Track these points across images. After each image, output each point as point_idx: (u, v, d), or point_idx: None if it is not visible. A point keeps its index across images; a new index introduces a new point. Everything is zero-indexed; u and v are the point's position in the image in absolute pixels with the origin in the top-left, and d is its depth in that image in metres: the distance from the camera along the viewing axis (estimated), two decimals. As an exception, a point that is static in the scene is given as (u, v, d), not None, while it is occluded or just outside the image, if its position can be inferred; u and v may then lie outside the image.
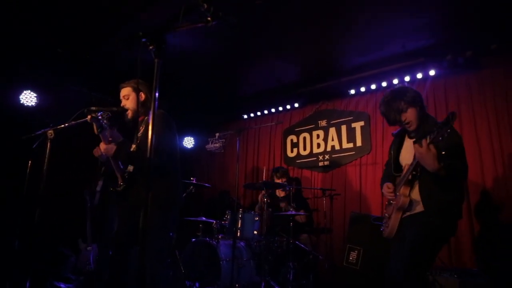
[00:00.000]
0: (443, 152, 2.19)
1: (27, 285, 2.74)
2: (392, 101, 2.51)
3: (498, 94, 4.08)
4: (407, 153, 2.55)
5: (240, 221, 4.28)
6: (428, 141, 2.13)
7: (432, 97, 4.55)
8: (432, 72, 4.45)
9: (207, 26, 1.49)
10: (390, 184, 2.58)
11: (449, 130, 2.04)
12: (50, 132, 2.75)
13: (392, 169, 2.62)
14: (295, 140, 5.84)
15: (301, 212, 4.38)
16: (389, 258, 2.51)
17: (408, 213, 2.44)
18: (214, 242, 4.11)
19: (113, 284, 2.45)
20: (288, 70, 5.19)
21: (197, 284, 4.13)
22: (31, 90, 4.82)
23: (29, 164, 3.23)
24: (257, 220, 4.34)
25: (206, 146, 5.13)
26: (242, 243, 4.33)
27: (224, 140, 4.82)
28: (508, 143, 3.92)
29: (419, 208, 2.37)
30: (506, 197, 3.80)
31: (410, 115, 2.47)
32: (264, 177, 4.78)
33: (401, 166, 2.58)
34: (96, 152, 3.48)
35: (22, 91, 4.78)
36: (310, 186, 5.42)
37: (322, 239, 4.93)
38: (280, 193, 5.06)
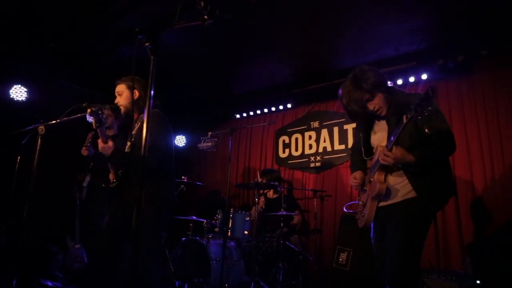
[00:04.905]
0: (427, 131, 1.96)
1: (14, 283, 2.70)
2: (353, 92, 2.18)
3: (488, 99, 4.15)
4: (379, 134, 2.30)
5: (231, 220, 4.27)
6: (405, 121, 1.89)
7: (424, 101, 4.59)
8: (424, 76, 4.50)
9: (204, 25, 1.48)
10: (358, 174, 2.37)
11: (430, 108, 1.74)
12: (41, 128, 2.72)
13: (363, 153, 2.36)
14: (287, 140, 5.85)
15: (295, 213, 4.38)
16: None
17: (384, 203, 2.20)
18: (204, 242, 4.09)
19: (103, 280, 2.43)
20: (282, 70, 5.20)
21: (186, 284, 4.11)
22: (22, 85, 4.75)
23: (18, 160, 3.18)
24: (247, 220, 4.34)
25: (198, 145, 5.10)
26: (232, 243, 4.32)
27: (216, 139, 4.79)
28: (497, 147, 3.97)
29: (399, 197, 2.13)
30: (495, 200, 3.86)
31: (377, 101, 2.17)
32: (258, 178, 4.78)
33: (373, 148, 2.32)
34: (83, 152, 3.46)
35: (12, 86, 4.72)
36: (302, 187, 5.43)
37: (312, 240, 4.95)
38: (270, 194, 5.07)
